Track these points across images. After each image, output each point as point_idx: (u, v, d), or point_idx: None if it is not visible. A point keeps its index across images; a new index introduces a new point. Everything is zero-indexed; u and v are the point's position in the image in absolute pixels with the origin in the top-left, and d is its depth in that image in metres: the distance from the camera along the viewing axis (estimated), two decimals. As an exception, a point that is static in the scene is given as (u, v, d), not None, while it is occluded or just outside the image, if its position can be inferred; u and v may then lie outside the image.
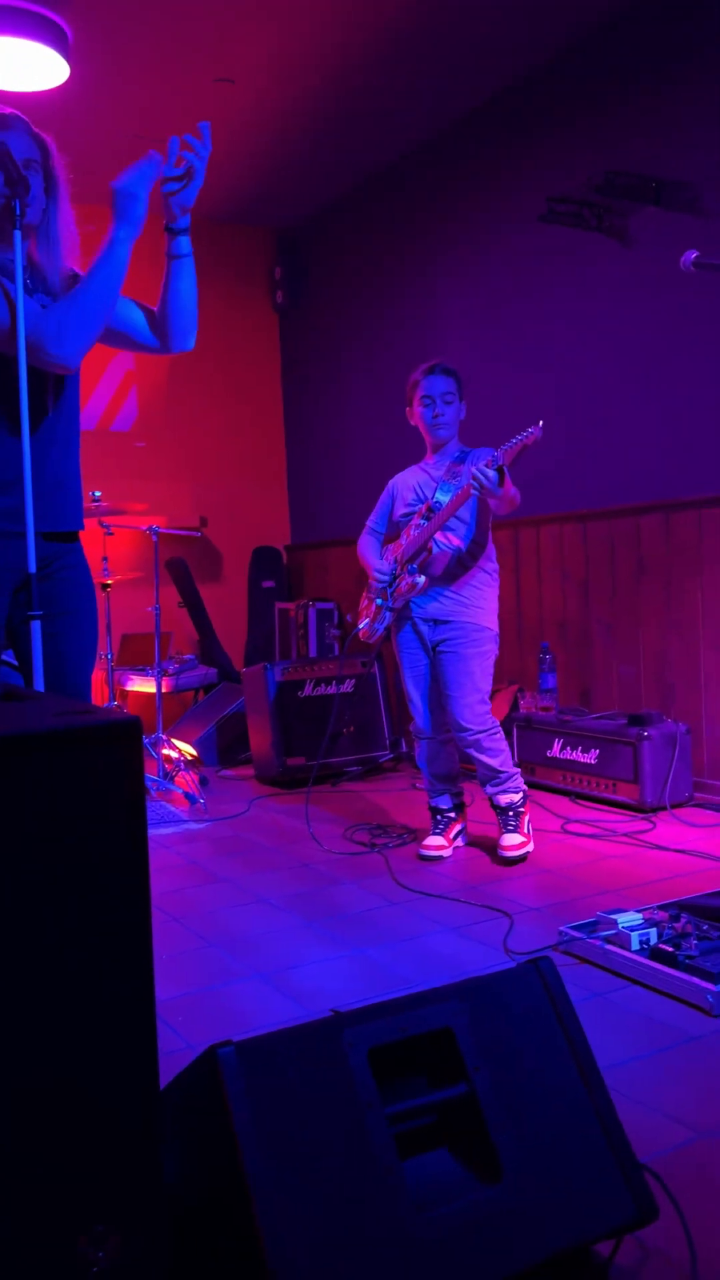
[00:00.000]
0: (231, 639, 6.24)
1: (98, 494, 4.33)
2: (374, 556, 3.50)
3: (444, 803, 3.44)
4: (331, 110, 4.90)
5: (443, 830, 3.42)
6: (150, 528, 4.38)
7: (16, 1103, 0.97)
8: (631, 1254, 1.37)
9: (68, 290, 2.14)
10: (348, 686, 4.77)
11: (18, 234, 1.98)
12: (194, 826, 3.89)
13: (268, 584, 6.40)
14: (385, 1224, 1.18)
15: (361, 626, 3.48)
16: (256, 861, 3.42)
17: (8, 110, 2.07)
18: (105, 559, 4.58)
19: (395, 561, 3.38)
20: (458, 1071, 1.31)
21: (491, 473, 2.99)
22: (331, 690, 4.71)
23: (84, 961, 0.99)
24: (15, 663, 2.21)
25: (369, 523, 3.58)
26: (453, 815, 3.45)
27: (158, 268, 2.27)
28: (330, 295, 6.09)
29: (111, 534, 4.59)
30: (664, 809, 3.79)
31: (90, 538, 4.62)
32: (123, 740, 1.03)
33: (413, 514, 3.38)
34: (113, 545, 5.06)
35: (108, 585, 4.53)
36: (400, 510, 3.46)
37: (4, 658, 2.29)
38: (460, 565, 3.32)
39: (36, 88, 4.33)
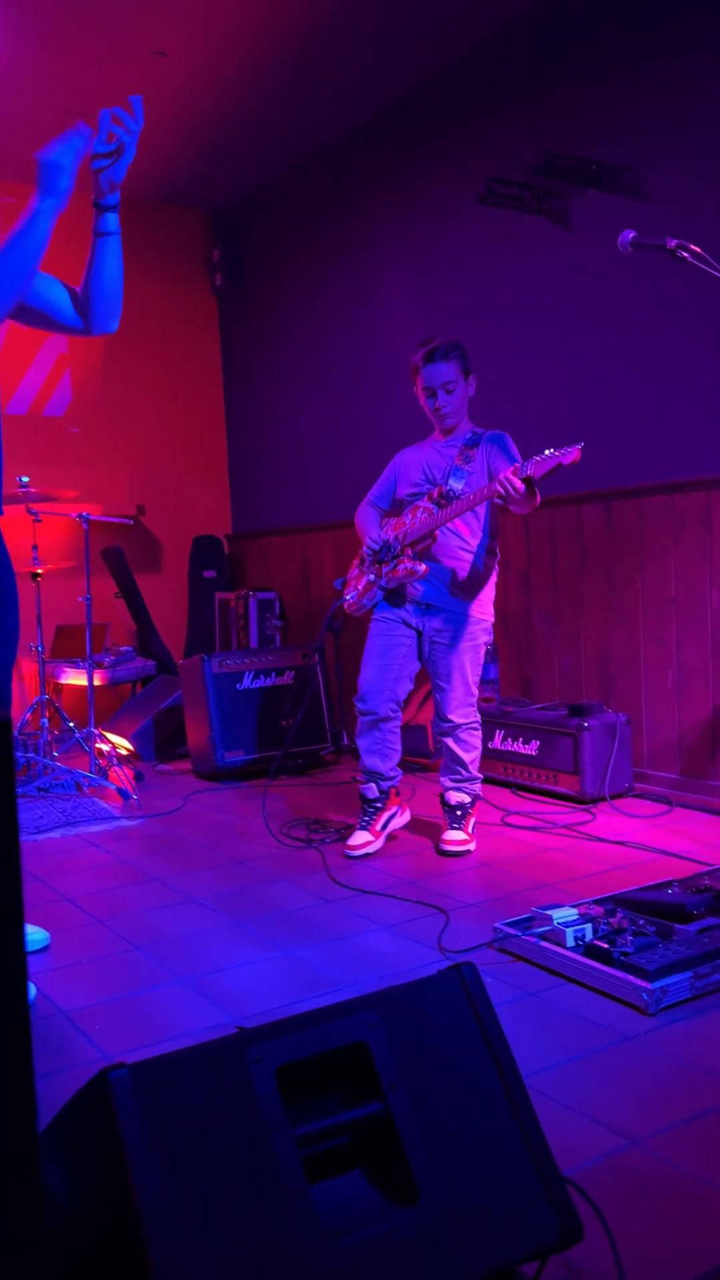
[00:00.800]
0: (172, 630, 6.11)
1: (25, 479, 4.18)
2: (373, 527, 3.37)
3: (370, 792, 3.32)
4: (269, 88, 4.78)
5: (369, 823, 3.31)
6: (80, 515, 4.24)
7: None
8: (558, 1274, 1.30)
9: None
10: (288, 678, 4.68)
11: None
12: (126, 824, 3.78)
13: (209, 574, 6.28)
14: (293, 1254, 1.10)
15: (348, 598, 3.36)
16: (189, 859, 3.32)
17: None
18: (35, 547, 4.44)
19: (396, 540, 3.25)
20: (373, 1088, 1.23)
21: (519, 483, 2.84)
22: (271, 682, 4.62)
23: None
24: None
25: (370, 496, 3.46)
26: (379, 805, 3.33)
27: (82, 246, 2.17)
28: (270, 278, 5.98)
29: (40, 521, 4.44)
30: (604, 800, 3.75)
31: (20, 525, 4.47)
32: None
33: (420, 494, 3.25)
34: (44, 534, 4.91)
35: (38, 575, 4.39)
36: (406, 489, 3.33)
37: None
38: (463, 554, 3.23)
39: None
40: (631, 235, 2.63)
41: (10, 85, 4.61)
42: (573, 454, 2.79)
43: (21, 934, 0.95)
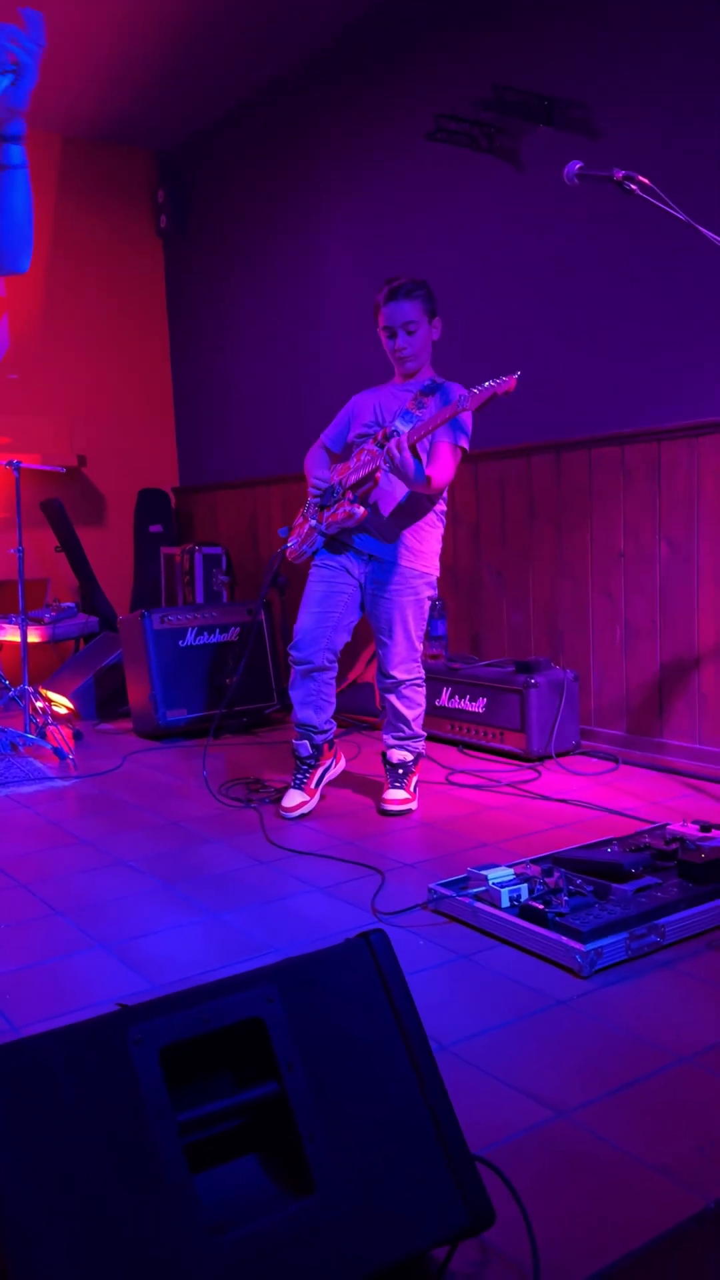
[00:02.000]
0: (117, 586, 5.95)
1: (-48, 427, 3.99)
2: (318, 467, 3.24)
3: (303, 749, 3.21)
4: (211, 20, 4.55)
5: (303, 782, 3.21)
6: (10, 462, 4.06)
7: None
8: (470, 1258, 1.22)
9: None
10: (232, 635, 4.55)
11: None
12: (60, 784, 3.65)
13: (155, 528, 6.11)
14: (170, 1251, 1.00)
15: (290, 545, 3.23)
16: (122, 821, 3.20)
17: None
18: (-34, 498, 4.25)
19: (340, 484, 3.11)
20: (269, 1068, 1.13)
21: (402, 455, 2.82)
22: (215, 639, 4.49)
23: None
24: None
25: (321, 437, 3.31)
26: (313, 762, 3.22)
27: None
28: (217, 219, 5.76)
29: (-29, 471, 4.26)
30: (550, 757, 3.69)
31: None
32: None
33: (368, 436, 3.11)
34: (-22, 484, 4.72)
35: (-31, 527, 4.21)
36: (356, 430, 3.18)
37: None
38: (408, 503, 3.09)
39: None
40: (578, 166, 2.50)
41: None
42: (508, 383, 2.71)
43: None
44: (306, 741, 3.21)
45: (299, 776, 3.22)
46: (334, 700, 3.22)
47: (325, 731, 3.22)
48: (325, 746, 3.25)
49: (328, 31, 4.69)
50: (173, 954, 2.18)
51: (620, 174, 2.41)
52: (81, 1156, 1.00)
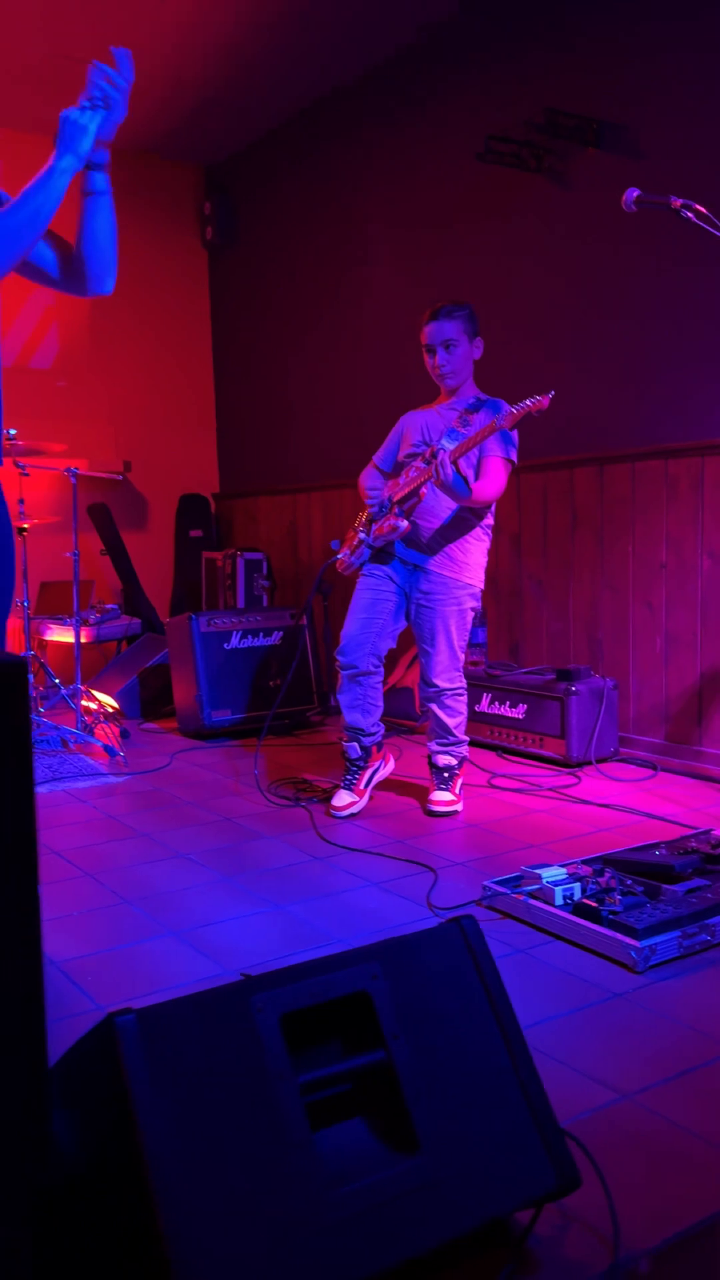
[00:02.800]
0: (157, 588, 6.07)
1: (12, 432, 4.12)
2: (371, 484, 3.42)
3: (353, 751, 3.33)
4: (266, 39, 4.67)
5: (352, 782, 3.32)
6: (69, 470, 4.19)
7: None
8: (552, 1222, 1.32)
9: None
10: (275, 639, 4.66)
11: None
12: (112, 780, 3.77)
13: (195, 533, 6.23)
14: (295, 1199, 1.11)
15: (340, 556, 3.37)
16: (176, 816, 3.32)
17: None
18: (21, 501, 4.38)
19: (390, 499, 3.26)
20: (374, 1038, 1.23)
21: (445, 470, 2.97)
22: (259, 642, 4.60)
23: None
24: None
25: (374, 458, 3.48)
26: (361, 764, 3.34)
27: (73, 205, 2.11)
28: (263, 232, 5.88)
29: (28, 475, 4.39)
30: (589, 764, 3.77)
31: (6, 479, 4.42)
32: (3, 683, 0.92)
33: (416, 455, 3.26)
34: (30, 488, 4.84)
35: (24, 529, 4.33)
36: (405, 450, 3.33)
37: None
38: (453, 516, 3.22)
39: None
40: (636, 193, 2.60)
41: (2, 30, 4.49)
42: (542, 401, 2.88)
43: (35, 894, 0.95)
44: (355, 743, 3.32)
45: (349, 777, 3.32)
46: (381, 704, 3.33)
47: (373, 734, 3.32)
48: (374, 748, 3.36)
49: (380, 51, 4.81)
50: (241, 942, 2.29)
51: (678, 202, 2.51)
52: (216, 1106, 1.11)
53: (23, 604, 4.42)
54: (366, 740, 3.32)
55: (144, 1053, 1.10)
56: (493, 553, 4.40)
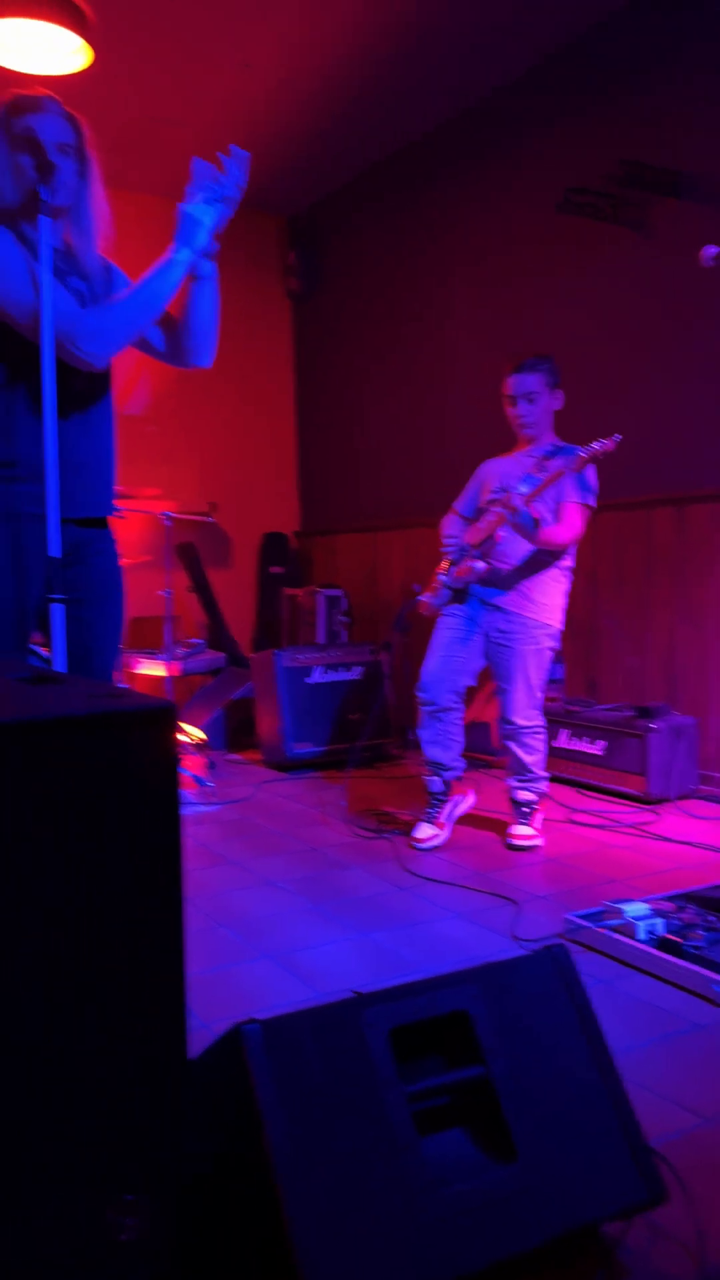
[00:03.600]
0: (239, 624, 6.26)
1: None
2: (449, 532, 3.55)
3: (434, 785, 3.42)
4: (348, 94, 4.89)
5: (434, 816, 3.41)
6: (164, 513, 4.39)
7: (57, 1075, 1.00)
8: (641, 1235, 1.40)
9: (101, 275, 2.16)
10: (356, 674, 4.79)
11: (43, 220, 1.99)
12: (202, 809, 3.92)
13: (276, 570, 6.42)
14: (402, 1199, 1.21)
15: (423, 599, 3.50)
16: (264, 845, 3.45)
17: (41, 92, 2.08)
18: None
19: (468, 544, 3.39)
20: (474, 1054, 1.33)
21: (517, 514, 3.11)
22: (340, 676, 4.73)
23: (122, 941, 1.02)
24: (42, 652, 2.23)
25: (455, 504, 3.61)
26: (443, 797, 3.43)
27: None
28: (344, 281, 6.09)
29: (123, 517, 4.60)
30: (669, 801, 3.82)
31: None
32: (157, 725, 1.05)
33: (495, 501, 3.37)
34: (122, 528, 5.07)
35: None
36: (485, 497, 3.46)
37: (33, 646, 2.31)
38: (531, 557, 3.33)
39: (57, 71, 4.32)
40: (715, 251, 2.70)
41: (104, 94, 4.77)
42: (609, 445, 2.97)
43: (181, 920, 1.08)
44: (437, 778, 3.42)
45: (430, 810, 3.42)
46: (461, 739, 3.43)
47: (454, 769, 3.42)
48: (455, 783, 3.46)
49: (461, 102, 4.99)
50: (332, 967, 2.40)
51: (755, 259, 2.60)
52: (332, 1109, 1.22)
53: (116, 639, 4.62)
54: (448, 775, 3.42)
55: (268, 1058, 1.22)
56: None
